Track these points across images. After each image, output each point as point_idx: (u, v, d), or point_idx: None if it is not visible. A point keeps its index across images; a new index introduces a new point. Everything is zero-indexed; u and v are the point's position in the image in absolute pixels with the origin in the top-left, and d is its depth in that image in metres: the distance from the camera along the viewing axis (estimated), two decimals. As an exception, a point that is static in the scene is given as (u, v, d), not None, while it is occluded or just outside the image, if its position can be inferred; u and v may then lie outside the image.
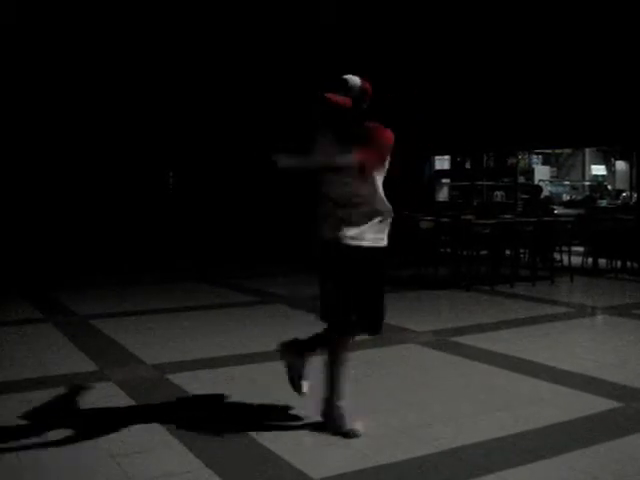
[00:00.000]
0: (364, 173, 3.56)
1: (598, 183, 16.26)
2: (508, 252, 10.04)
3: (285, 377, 3.97)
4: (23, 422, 3.86)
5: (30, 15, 12.42)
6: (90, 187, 13.22)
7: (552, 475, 3.19)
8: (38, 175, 12.88)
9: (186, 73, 13.59)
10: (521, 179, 14.84)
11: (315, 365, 3.90)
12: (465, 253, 9.53)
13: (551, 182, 15.61)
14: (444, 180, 16.44)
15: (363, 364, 4.98)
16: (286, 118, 13.91)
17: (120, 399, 4.29)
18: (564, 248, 10.09)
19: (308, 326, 6.47)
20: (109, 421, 3.88)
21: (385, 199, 3.72)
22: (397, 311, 6.53)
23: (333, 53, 13.72)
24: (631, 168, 14.11)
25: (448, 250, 9.90)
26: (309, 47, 13.76)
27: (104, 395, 4.37)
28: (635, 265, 10.39)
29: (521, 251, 10.50)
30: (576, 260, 10.48)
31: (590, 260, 10.75)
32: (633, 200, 13.29)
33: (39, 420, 3.89)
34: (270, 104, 13.72)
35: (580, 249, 10.96)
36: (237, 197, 14.16)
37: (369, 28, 13.79)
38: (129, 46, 13.07)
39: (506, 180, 14.92)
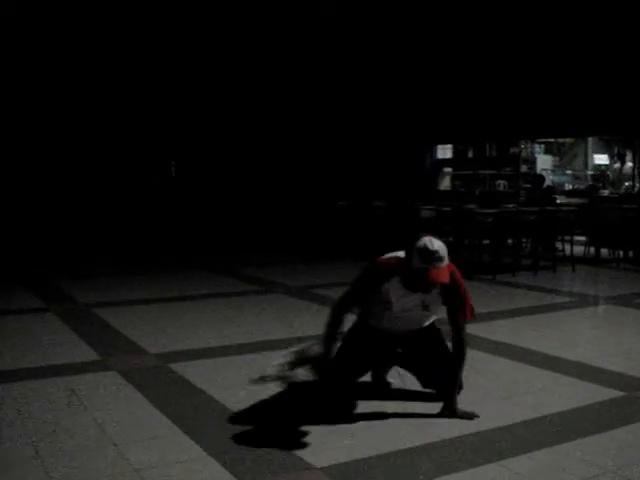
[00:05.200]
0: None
1: (601, 172, 16.18)
2: (510, 241, 10.02)
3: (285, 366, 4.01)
4: (24, 412, 3.86)
5: (30, 8, 12.36)
6: (93, 176, 13.22)
7: (554, 463, 3.19)
8: (40, 163, 12.87)
9: (186, 64, 13.55)
10: (523, 168, 14.78)
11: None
12: (467, 242, 9.51)
13: (553, 171, 15.55)
14: (446, 169, 16.40)
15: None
16: (285, 109, 13.90)
17: (123, 388, 4.29)
18: (566, 237, 10.06)
19: (308, 314, 6.51)
20: (111, 409, 3.89)
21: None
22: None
23: (334, 44, 13.68)
24: (634, 157, 14.05)
25: (450, 239, 9.88)
26: (308, 39, 13.70)
27: (106, 384, 4.38)
28: (637, 254, 10.37)
29: (523, 240, 10.48)
30: (578, 249, 10.46)
31: (592, 249, 10.73)
32: (636, 189, 13.25)
33: (41, 409, 3.90)
34: (270, 95, 13.70)
35: (582, 238, 10.94)
36: (239, 186, 14.16)
37: (371, 18, 13.72)
38: (131, 37, 13.02)
39: (508, 169, 14.88)
